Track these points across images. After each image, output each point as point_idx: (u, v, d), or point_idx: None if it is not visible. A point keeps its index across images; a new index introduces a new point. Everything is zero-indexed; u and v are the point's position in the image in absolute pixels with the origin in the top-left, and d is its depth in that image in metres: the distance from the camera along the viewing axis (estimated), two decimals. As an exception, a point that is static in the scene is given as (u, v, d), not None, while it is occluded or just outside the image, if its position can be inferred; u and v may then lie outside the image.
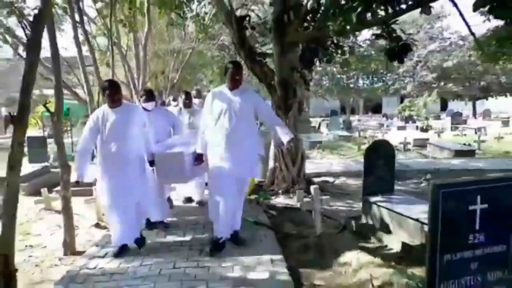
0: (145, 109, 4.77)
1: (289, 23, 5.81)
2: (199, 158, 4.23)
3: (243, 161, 3.95)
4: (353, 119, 30.32)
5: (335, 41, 5.88)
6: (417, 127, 20.63)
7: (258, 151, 4.17)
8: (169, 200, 5.65)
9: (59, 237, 4.96)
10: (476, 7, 4.61)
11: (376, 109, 43.23)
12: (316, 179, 7.49)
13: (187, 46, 12.36)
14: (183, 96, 5.94)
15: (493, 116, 28.24)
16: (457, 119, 21.55)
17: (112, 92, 3.97)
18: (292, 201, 6.09)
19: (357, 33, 12.10)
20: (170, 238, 4.58)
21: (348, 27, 4.55)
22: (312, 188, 4.52)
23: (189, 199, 6.10)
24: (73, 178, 4.32)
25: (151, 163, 4.32)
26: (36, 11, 3.01)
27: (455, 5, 5.01)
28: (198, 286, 3.32)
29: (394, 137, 14.79)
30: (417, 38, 34.27)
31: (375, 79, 36.74)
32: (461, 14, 5.15)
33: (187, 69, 14.71)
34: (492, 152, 12.03)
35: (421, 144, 13.19)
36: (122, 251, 4.11)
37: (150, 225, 4.80)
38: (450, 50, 31.18)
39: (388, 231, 4.47)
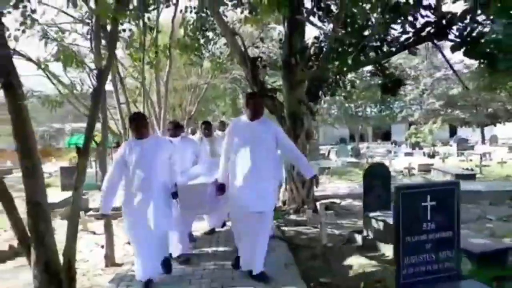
0: (171, 141, 4.84)
1: (296, 64, 6.71)
2: (221, 189, 4.21)
3: (263, 193, 3.91)
4: (362, 146, 31.05)
5: (336, 79, 6.73)
6: (424, 153, 21.22)
7: (277, 178, 4.32)
8: (191, 234, 5.50)
9: (98, 253, 5.73)
10: (453, 50, 5.46)
11: (385, 136, 43.87)
12: (324, 201, 8.22)
13: (203, 81, 13.48)
14: (203, 126, 6.18)
15: (501, 142, 28.61)
16: (463, 145, 22.12)
17: (140, 124, 4.03)
18: (302, 219, 6.82)
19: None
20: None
21: (345, 68, 5.42)
22: (318, 204, 5.28)
23: (212, 231, 6.03)
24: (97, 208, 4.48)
25: (174, 194, 4.25)
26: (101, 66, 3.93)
27: (438, 48, 5.88)
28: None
29: (400, 163, 15.47)
30: (423, 67, 35.65)
31: (383, 107, 37.58)
32: (443, 55, 6.01)
33: (202, 102, 15.77)
34: (494, 176, 12.62)
35: (426, 169, 13.83)
36: (147, 286, 4.03)
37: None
38: (455, 78, 31.95)
39: (385, 241, 5.15)
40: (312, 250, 5.18)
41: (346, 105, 36.07)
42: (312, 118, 7.75)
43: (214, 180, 4.29)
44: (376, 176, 5.63)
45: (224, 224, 6.09)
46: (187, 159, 5.14)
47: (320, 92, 7.52)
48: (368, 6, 5.34)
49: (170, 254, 4.56)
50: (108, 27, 4.96)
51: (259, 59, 7.40)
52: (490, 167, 15.13)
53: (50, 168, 19.14)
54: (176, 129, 5.21)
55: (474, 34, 5.38)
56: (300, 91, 7.32)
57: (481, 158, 17.29)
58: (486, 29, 5.19)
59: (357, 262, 4.60)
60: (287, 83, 7.18)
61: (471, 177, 11.36)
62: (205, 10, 8.45)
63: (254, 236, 3.95)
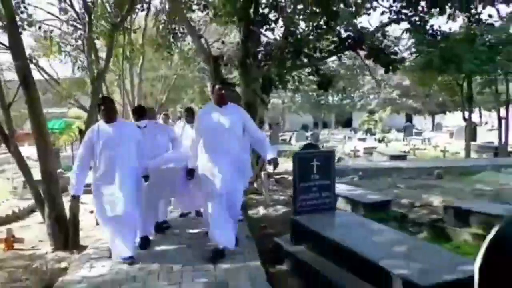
0: (138, 126, 4.88)
1: (250, 64, 8.26)
2: (190, 173, 4.34)
3: (233, 175, 4.06)
4: (323, 132, 33.18)
5: (282, 77, 8.33)
6: (375, 139, 23.42)
7: (246, 164, 4.49)
8: (166, 222, 5.56)
9: (89, 217, 7.10)
10: (367, 57, 7.20)
11: (346, 123, 46.29)
12: (276, 176, 9.89)
13: (172, 72, 14.83)
14: (186, 113, 6.32)
15: (446, 129, 31.39)
16: (409, 132, 24.56)
17: (109, 107, 4.17)
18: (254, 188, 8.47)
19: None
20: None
21: (284, 70, 7.04)
22: (262, 174, 6.90)
23: (183, 215, 6.11)
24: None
25: (145, 178, 4.39)
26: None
27: (358, 55, 7.60)
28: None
29: (350, 146, 17.46)
30: (398, 50, 37.80)
31: (344, 96, 39.77)
32: (362, 60, 7.74)
33: (172, 90, 17.13)
34: (424, 157, 14.80)
35: (370, 152, 15.89)
36: (129, 260, 4.14)
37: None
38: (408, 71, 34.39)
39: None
40: (257, 209, 6.85)
41: (310, 93, 38.09)
42: (265, 108, 9.36)
43: (184, 164, 4.45)
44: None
45: (198, 212, 5.86)
46: (159, 144, 5.15)
47: (272, 86, 9.11)
48: (303, 24, 7.00)
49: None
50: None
51: (221, 57, 8.90)
52: (426, 150, 17.37)
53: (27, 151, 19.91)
54: (140, 112, 5.21)
55: (381, 46, 7.13)
56: (255, 85, 8.88)
57: (421, 143, 19.61)
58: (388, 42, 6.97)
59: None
60: (244, 79, 8.73)
61: (402, 157, 13.45)
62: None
63: (226, 215, 4.08)
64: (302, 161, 4.22)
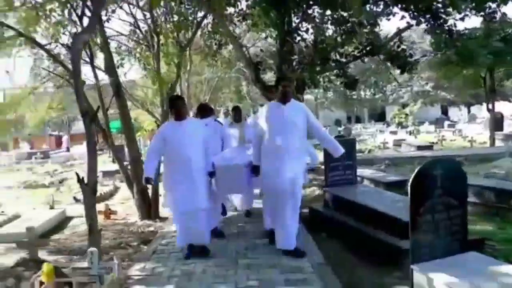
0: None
1: (285, 69, 9.65)
2: (255, 170, 4.40)
3: (294, 172, 4.10)
4: (356, 126, 34.12)
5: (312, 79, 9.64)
6: (406, 131, 24.23)
7: (306, 160, 4.56)
8: (223, 207, 5.77)
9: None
10: (385, 60, 8.43)
11: (380, 117, 46.73)
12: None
13: (215, 75, 16.52)
14: (233, 112, 6.50)
15: (480, 120, 31.49)
16: (440, 123, 25.21)
17: (180, 105, 4.37)
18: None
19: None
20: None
21: (315, 74, 8.40)
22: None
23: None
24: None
25: (211, 174, 4.49)
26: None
27: (381, 61, 8.83)
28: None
29: (380, 139, 18.52)
30: (412, 52, 38.17)
31: (376, 90, 40.31)
32: (387, 68, 8.97)
33: (212, 91, 18.88)
34: (451, 147, 15.70)
35: (399, 143, 16.91)
36: (190, 253, 4.38)
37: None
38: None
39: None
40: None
41: (341, 89, 38.89)
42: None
43: (249, 161, 4.54)
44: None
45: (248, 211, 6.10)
46: (215, 142, 5.33)
47: (305, 86, 10.48)
48: (330, 32, 8.34)
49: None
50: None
51: (260, 63, 10.35)
52: (455, 140, 18.17)
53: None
54: (205, 110, 5.47)
55: (398, 50, 8.34)
56: (291, 86, 10.27)
57: (452, 134, 20.35)
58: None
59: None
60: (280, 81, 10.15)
61: (429, 147, 14.45)
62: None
63: (286, 213, 4.14)
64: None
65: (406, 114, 27.19)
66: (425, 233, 2.72)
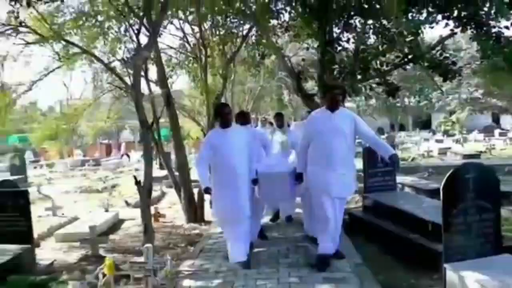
0: None
1: (326, 78, 9.86)
2: (299, 177, 4.41)
3: (341, 181, 4.04)
4: (400, 134, 33.47)
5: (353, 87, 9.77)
6: (452, 140, 23.53)
7: (355, 167, 4.39)
8: (291, 218, 6.12)
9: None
10: (427, 68, 8.44)
11: (425, 125, 45.45)
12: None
13: (257, 84, 16.99)
14: (276, 118, 6.56)
15: (535, 128, 30.04)
16: (489, 131, 24.29)
17: (226, 113, 4.40)
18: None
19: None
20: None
21: (355, 82, 8.56)
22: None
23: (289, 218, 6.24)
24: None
25: (254, 181, 4.46)
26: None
27: (422, 69, 8.87)
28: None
29: (424, 147, 18.18)
30: (459, 59, 37.01)
31: (421, 97, 39.31)
32: (432, 79, 8.98)
33: (255, 100, 19.39)
34: (499, 156, 15.18)
35: (444, 152, 16.54)
36: (246, 266, 4.27)
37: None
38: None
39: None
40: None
41: (384, 96, 38.06)
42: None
43: (292, 169, 4.54)
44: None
45: (289, 218, 6.24)
46: (257, 148, 5.19)
47: (346, 95, 10.63)
48: (371, 40, 8.49)
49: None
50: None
51: (302, 73, 10.63)
52: (505, 149, 17.52)
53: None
54: (244, 118, 5.35)
55: (440, 58, 8.33)
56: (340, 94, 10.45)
57: (503, 142, 19.62)
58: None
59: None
60: (321, 90, 10.36)
61: (476, 156, 14.06)
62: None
63: (333, 220, 4.10)
64: (369, 153, 5.77)
65: (453, 122, 26.41)
66: (457, 235, 2.87)
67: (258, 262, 4.46)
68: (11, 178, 11.67)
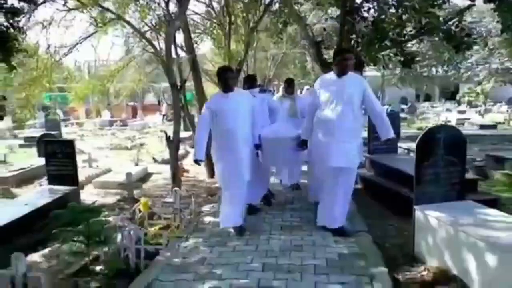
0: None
1: (345, 46, 10.24)
2: (303, 144, 4.34)
3: (344, 151, 3.86)
4: (424, 105, 33.29)
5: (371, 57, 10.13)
6: (476, 111, 23.47)
7: (361, 136, 4.21)
8: (297, 186, 5.99)
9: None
10: (443, 39, 8.74)
11: (452, 95, 44.62)
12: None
13: (279, 51, 17.38)
14: (286, 83, 6.39)
15: None
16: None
17: (227, 76, 4.21)
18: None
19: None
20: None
21: (372, 52, 8.96)
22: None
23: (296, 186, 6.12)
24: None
25: (257, 146, 4.46)
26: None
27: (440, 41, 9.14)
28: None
29: (443, 118, 18.40)
30: (492, 27, 35.76)
31: (450, 67, 38.49)
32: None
33: (277, 67, 19.79)
34: (518, 127, 15.37)
35: (462, 122, 16.75)
36: (241, 230, 4.28)
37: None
38: (523, 38, 32.20)
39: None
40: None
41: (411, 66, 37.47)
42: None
43: (297, 134, 4.46)
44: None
45: (296, 185, 6.11)
46: (263, 113, 5.16)
47: (364, 64, 11.02)
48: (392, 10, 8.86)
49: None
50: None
51: (322, 42, 11.03)
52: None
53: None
54: (252, 81, 5.33)
55: (456, 29, 8.61)
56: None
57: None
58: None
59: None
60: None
61: (492, 127, 14.32)
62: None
63: (334, 191, 3.99)
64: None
65: (477, 93, 26.08)
66: (427, 183, 3.50)
67: (266, 211, 4.94)
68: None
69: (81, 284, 3.41)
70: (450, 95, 45.27)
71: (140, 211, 4.91)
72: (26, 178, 8.13)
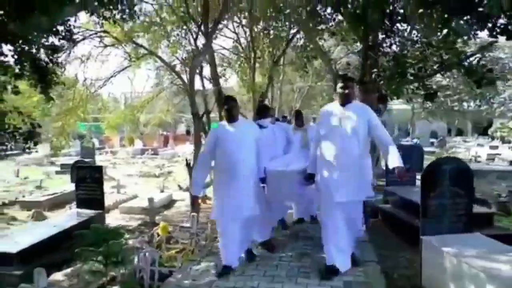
0: (260, 126, 4.78)
1: (367, 81, 10.43)
2: (310, 178, 4.06)
3: (351, 184, 3.68)
4: (456, 139, 32.65)
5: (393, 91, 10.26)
6: (509, 146, 22.79)
7: (370, 170, 3.97)
8: (284, 221, 5.54)
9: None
10: (464, 75, 8.80)
11: (486, 131, 43.46)
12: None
13: (306, 84, 17.79)
14: (295, 116, 6.38)
15: None
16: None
17: (231, 106, 4.02)
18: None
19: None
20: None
21: (393, 86, 9.09)
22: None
23: (300, 220, 5.87)
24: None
25: (263, 180, 4.22)
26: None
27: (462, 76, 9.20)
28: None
29: (473, 152, 18.04)
30: (494, 67, 35.18)
31: (482, 102, 37.77)
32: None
33: (304, 99, 20.15)
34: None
35: (492, 158, 16.34)
36: (225, 271, 3.97)
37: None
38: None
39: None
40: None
41: (442, 99, 37.25)
42: (379, 115, 11.37)
43: (303, 168, 4.21)
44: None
45: (313, 217, 5.74)
46: (278, 145, 5.10)
47: (387, 97, 11.14)
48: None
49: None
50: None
51: (345, 75, 11.27)
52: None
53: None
54: (262, 111, 5.09)
55: (478, 65, 8.66)
56: (371, 97, 11.01)
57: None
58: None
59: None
60: (362, 92, 10.96)
61: (521, 163, 13.93)
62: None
63: (338, 228, 3.76)
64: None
65: (510, 128, 25.44)
66: (433, 214, 3.56)
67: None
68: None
69: (97, 302, 3.63)
70: (483, 130, 44.18)
71: (158, 235, 5.14)
72: (58, 202, 8.59)
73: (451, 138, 34.11)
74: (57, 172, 14.38)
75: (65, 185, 10.21)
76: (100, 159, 19.51)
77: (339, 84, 3.76)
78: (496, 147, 23.02)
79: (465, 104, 38.66)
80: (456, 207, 3.57)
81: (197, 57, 5.49)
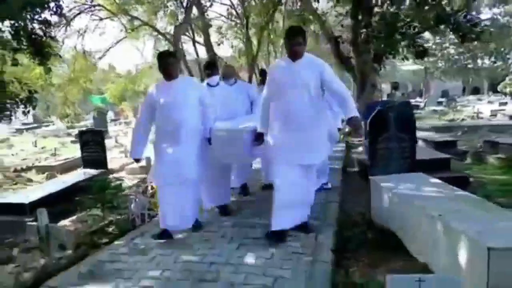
0: (209, 84, 4.45)
1: (360, 41, 10.66)
2: (259, 138, 3.77)
3: (306, 145, 3.46)
4: (468, 98, 32.29)
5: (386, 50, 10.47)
6: (518, 102, 22.69)
7: (325, 129, 3.69)
8: (245, 186, 5.21)
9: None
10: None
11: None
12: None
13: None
14: (261, 75, 5.99)
15: None
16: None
17: (166, 62, 3.73)
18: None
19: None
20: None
21: (381, 45, 9.34)
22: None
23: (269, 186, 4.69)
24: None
25: (209, 140, 3.91)
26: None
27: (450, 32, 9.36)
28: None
29: (477, 109, 18.17)
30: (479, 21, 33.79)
31: (497, 58, 36.86)
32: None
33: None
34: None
35: (495, 113, 16.46)
36: (163, 236, 3.72)
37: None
38: None
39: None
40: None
41: (456, 57, 36.44)
42: (376, 74, 11.63)
43: (253, 128, 3.88)
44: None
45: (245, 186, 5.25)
46: (239, 105, 4.63)
47: (382, 56, 11.37)
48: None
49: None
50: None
51: (339, 37, 11.52)
52: None
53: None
54: (210, 68, 4.59)
55: (464, 20, 8.82)
56: (365, 57, 11.24)
57: None
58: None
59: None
60: (356, 53, 11.22)
61: (524, 117, 14.07)
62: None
63: (294, 186, 3.48)
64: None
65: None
66: (380, 157, 4.04)
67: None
68: (95, 130, 14.01)
69: (94, 239, 4.30)
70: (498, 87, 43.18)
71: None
72: (70, 167, 9.34)
73: (464, 97, 33.70)
74: (72, 142, 15.24)
75: (78, 151, 10.98)
76: (113, 129, 20.31)
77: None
78: (505, 103, 22.90)
79: (479, 61, 37.83)
80: (400, 150, 4.03)
81: (179, 26, 5.92)
